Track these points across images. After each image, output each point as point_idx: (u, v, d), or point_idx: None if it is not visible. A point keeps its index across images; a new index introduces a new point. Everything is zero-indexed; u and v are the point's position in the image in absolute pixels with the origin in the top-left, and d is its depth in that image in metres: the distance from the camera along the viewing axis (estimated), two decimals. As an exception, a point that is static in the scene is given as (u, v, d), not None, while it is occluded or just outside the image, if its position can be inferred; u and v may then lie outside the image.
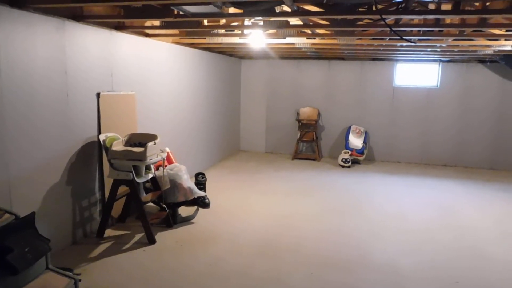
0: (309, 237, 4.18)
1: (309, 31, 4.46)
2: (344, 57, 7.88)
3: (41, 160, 3.34)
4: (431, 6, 3.35)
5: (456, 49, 5.65)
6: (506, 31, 4.19)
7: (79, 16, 3.60)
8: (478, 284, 3.28)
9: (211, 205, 4.99)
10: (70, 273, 2.86)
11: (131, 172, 3.73)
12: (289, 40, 4.84)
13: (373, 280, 3.32)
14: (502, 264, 3.64)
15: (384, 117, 8.16)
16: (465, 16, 3.55)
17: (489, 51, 5.54)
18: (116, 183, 3.83)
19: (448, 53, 6.25)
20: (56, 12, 3.37)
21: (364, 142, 7.81)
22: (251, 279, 3.28)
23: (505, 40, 4.53)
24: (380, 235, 4.29)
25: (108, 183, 3.98)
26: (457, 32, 4.17)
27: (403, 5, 3.10)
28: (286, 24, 3.83)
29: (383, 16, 3.10)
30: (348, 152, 7.60)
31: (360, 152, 7.67)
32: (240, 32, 4.58)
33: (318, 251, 3.85)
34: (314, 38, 4.96)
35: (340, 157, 7.62)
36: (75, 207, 3.78)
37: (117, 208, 4.24)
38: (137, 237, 4.02)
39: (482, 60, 7.45)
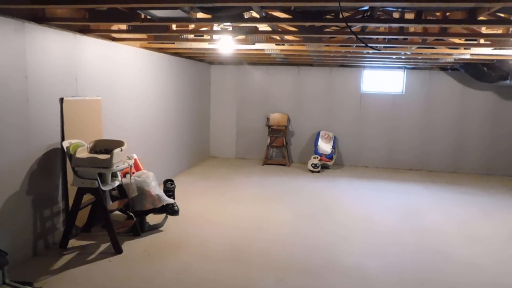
0: (279, 242, 4.18)
1: (278, 38, 4.50)
2: (313, 64, 8.00)
3: (-1, 168, 3.18)
4: (396, 15, 3.46)
5: (419, 57, 5.86)
6: (465, 40, 4.38)
7: (40, 18, 3.46)
8: (442, 286, 3.37)
9: (180, 212, 4.92)
10: (29, 287, 2.74)
11: (97, 180, 3.61)
12: (258, 46, 4.86)
13: (342, 284, 3.35)
14: (466, 266, 3.76)
15: (352, 123, 8.33)
16: (427, 25, 3.68)
17: (450, 59, 5.77)
18: (81, 192, 3.70)
19: (412, 60, 6.47)
20: (15, 13, 3.23)
21: (333, 147, 7.93)
22: (221, 286, 3.24)
23: (464, 49, 4.73)
24: (349, 238, 4.35)
25: (72, 192, 3.83)
26: (420, 41, 4.32)
27: (368, 13, 3.18)
28: (255, 30, 3.85)
29: (349, 24, 3.17)
30: (317, 157, 7.70)
31: (329, 157, 7.79)
32: (209, 37, 4.56)
33: (288, 256, 3.85)
34: (283, 45, 5.00)
35: (310, 162, 7.70)
36: (36, 217, 3.61)
37: (82, 217, 4.10)
38: (103, 247, 3.89)
39: (444, 68, 7.76)
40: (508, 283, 3.47)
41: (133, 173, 4.36)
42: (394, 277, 3.50)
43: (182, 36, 4.39)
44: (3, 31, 3.15)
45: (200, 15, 3.52)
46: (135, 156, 4.60)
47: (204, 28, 4.20)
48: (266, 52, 5.39)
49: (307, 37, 4.24)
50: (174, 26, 4.09)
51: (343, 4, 2.54)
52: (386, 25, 3.61)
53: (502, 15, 3.23)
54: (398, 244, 4.23)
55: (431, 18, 3.42)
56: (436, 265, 3.75)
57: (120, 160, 3.78)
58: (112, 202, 4.31)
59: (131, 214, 4.15)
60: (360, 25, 3.57)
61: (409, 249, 4.12)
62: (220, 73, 8.69)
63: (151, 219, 4.51)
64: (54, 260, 3.55)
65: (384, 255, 3.95)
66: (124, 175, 4.24)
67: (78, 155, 3.63)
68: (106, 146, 3.89)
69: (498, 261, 3.90)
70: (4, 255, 2.59)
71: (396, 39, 4.30)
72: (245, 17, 3.39)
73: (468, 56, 5.27)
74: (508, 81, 6.47)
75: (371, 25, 3.71)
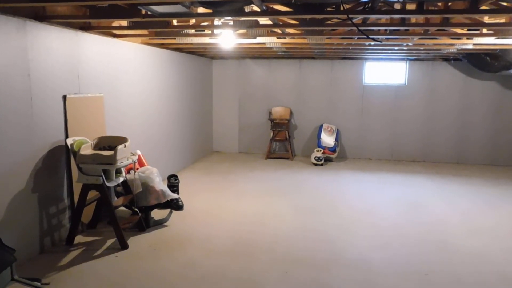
0: (284, 236, 4.20)
1: (279, 31, 4.49)
2: (315, 57, 7.98)
3: (4, 165, 3.20)
4: (397, 6, 3.43)
5: (421, 48, 5.82)
6: (468, 30, 4.35)
7: (41, 16, 3.47)
8: (446, 277, 3.38)
9: (184, 207, 4.94)
10: (37, 283, 2.78)
11: (101, 176, 3.63)
12: (259, 40, 4.85)
13: (346, 276, 3.37)
14: (469, 257, 3.77)
15: (355, 115, 8.32)
16: (429, 16, 3.65)
17: (453, 49, 5.74)
18: (86, 188, 3.73)
19: (414, 51, 6.43)
20: (16, 12, 3.24)
21: (336, 140, 7.93)
22: (227, 280, 3.26)
23: (467, 39, 4.70)
24: (353, 231, 4.36)
25: (77, 188, 3.86)
26: (422, 31, 4.29)
27: (369, 5, 3.16)
28: (256, 24, 3.84)
29: (350, 16, 3.16)
30: (320, 150, 7.70)
31: (332, 150, 7.79)
32: (210, 32, 4.55)
33: (293, 249, 3.87)
34: (284, 38, 4.99)
35: (313, 156, 7.70)
36: (42, 214, 3.64)
37: (87, 213, 4.12)
38: (109, 242, 3.93)
39: (446, 58, 7.72)
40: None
41: (137, 169, 4.38)
42: (398, 269, 3.52)
43: (183, 31, 4.38)
44: (5, 30, 3.16)
45: (200, 9, 3.51)
46: (138, 152, 4.62)
47: (205, 23, 4.19)
48: (268, 45, 5.37)
49: (308, 30, 4.22)
50: (175, 22, 4.09)
51: (344, -4, 2.53)
52: (388, 16, 3.59)
53: (505, 4, 3.20)
54: (402, 236, 4.24)
55: (432, 8, 3.40)
56: (440, 257, 3.76)
57: (124, 156, 3.80)
58: (117, 198, 4.34)
59: (136, 209, 4.18)
60: (361, 16, 3.56)
61: (413, 241, 4.13)
62: (222, 68, 8.68)
63: (156, 214, 4.53)
64: (61, 257, 3.59)
65: (388, 247, 3.96)
66: (128, 171, 4.27)
67: (82, 152, 3.65)
68: (110, 143, 3.91)
69: (503, 251, 3.90)
70: (12, 252, 2.62)
71: (398, 30, 4.27)
72: (246, 10, 3.39)
73: (470, 46, 5.23)
74: (511, 71, 6.42)
75: (373, 17, 3.69)
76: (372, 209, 5.12)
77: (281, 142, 8.51)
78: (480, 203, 5.45)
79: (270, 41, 5.05)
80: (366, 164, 7.86)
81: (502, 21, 3.93)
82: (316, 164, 7.63)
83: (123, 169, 3.98)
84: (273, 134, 8.29)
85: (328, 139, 7.86)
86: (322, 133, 7.98)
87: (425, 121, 8.11)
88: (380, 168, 7.52)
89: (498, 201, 5.56)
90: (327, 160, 7.95)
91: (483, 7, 3.07)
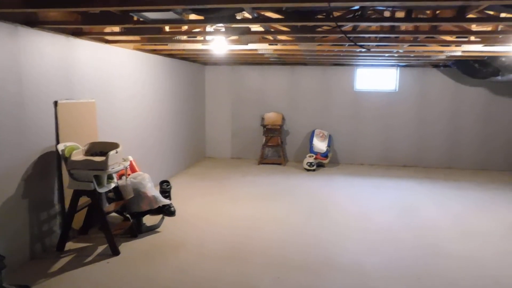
0: (277, 240, 4.21)
1: (270, 38, 4.53)
2: (307, 63, 8.04)
3: (-6, 173, 3.18)
4: (386, 14, 3.49)
5: (411, 55, 5.90)
6: (456, 37, 4.43)
7: (33, 22, 3.46)
8: (439, 281, 3.41)
9: (177, 213, 4.92)
10: (27, 290, 2.75)
11: (92, 182, 3.62)
12: (251, 46, 4.88)
13: (339, 280, 3.39)
14: (461, 261, 3.81)
15: (347, 121, 8.38)
16: (417, 24, 3.72)
17: (442, 56, 5.82)
18: (77, 194, 3.71)
19: (404, 58, 6.51)
20: (8, 17, 3.24)
21: (328, 146, 7.97)
22: (221, 284, 3.26)
23: (456, 46, 4.78)
24: (345, 236, 4.39)
25: (68, 194, 3.84)
26: (412, 39, 4.36)
27: (359, 12, 3.21)
28: (248, 31, 3.87)
29: (340, 23, 3.21)
30: (312, 156, 7.73)
31: (325, 155, 7.82)
32: (202, 38, 4.57)
33: (286, 253, 3.89)
34: (276, 44, 5.02)
35: (305, 161, 7.73)
36: (32, 221, 3.62)
37: (79, 219, 4.10)
38: (100, 249, 3.90)
39: (436, 65, 7.82)
40: (504, 276, 3.51)
41: (129, 174, 4.37)
42: (391, 272, 3.54)
43: (175, 38, 4.40)
44: (-4, 36, 3.15)
45: (192, 16, 3.53)
46: (130, 158, 4.61)
47: (197, 30, 4.21)
48: (260, 52, 5.41)
49: (300, 36, 4.26)
50: (167, 28, 4.11)
51: (333, 4, 2.57)
52: (377, 24, 3.64)
53: (491, 12, 3.27)
54: (395, 240, 4.27)
55: (421, 16, 3.46)
56: (433, 260, 3.79)
57: (116, 162, 3.79)
58: (109, 204, 4.32)
59: (128, 215, 4.17)
60: (351, 24, 3.61)
61: (406, 245, 4.16)
62: (214, 74, 8.71)
63: (148, 220, 4.52)
64: (51, 263, 3.56)
65: (381, 251, 3.99)
66: (120, 177, 4.26)
67: (74, 157, 3.64)
68: (102, 148, 3.90)
69: (495, 255, 3.95)
70: (2, 259, 2.61)
71: (388, 37, 4.34)
72: (238, 18, 3.42)
73: (459, 53, 5.31)
74: (499, 77, 6.53)
75: (363, 24, 3.75)
76: (365, 213, 5.15)
77: (274, 147, 8.53)
78: (472, 207, 5.51)
79: (262, 47, 5.09)
80: (358, 169, 7.91)
81: (489, 29, 4.01)
82: (308, 170, 7.66)
83: (114, 175, 3.98)
84: (265, 140, 8.32)
85: (320, 145, 7.90)
86: (314, 138, 8.02)
87: (417, 127, 8.19)
88: (372, 173, 7.57)
89: (490, 205, 5.63)
90: (319, 165, 7.98)
91: (470, 16, 3.14)
